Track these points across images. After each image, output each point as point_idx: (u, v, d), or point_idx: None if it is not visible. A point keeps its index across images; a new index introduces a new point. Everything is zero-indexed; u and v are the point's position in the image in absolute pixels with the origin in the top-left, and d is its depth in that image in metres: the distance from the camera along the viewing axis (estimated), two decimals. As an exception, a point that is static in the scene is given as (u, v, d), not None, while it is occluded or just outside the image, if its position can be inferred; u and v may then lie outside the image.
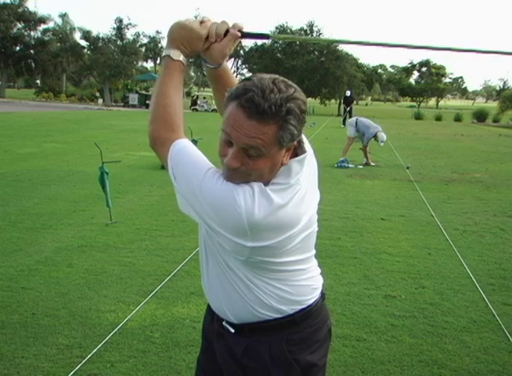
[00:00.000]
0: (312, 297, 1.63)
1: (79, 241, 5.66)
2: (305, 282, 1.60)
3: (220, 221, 1.40)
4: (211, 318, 1.73)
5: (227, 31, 1.55)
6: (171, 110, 1.53)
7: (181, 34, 1.53)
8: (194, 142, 10.24)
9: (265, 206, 1.38)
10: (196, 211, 1.45)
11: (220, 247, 1.50)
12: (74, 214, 6.91)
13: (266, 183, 1.43)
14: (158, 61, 55.57)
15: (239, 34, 1.56)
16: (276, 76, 1.40)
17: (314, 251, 1.63)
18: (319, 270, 1.68)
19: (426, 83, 72.67)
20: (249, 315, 1.56)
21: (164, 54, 1.57)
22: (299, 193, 1.46)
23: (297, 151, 1.51)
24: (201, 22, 1.55)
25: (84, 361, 3.25)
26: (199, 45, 1.56)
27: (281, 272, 1.52)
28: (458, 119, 43.12)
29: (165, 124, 1.52)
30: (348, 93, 30.64)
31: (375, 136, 12.35)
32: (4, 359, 3.26)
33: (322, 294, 1.69)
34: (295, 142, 1.45)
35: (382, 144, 12.48)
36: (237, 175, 1.40)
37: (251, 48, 54.06)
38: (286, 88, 1.36)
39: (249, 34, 1.65)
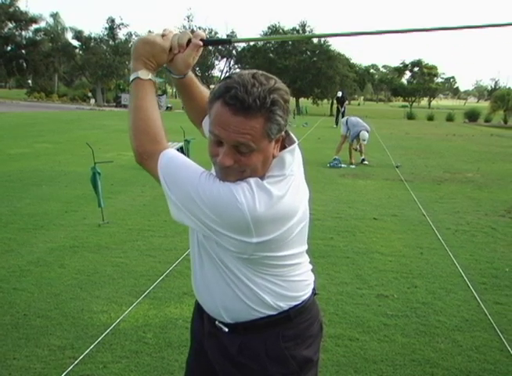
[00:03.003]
0: (306, 293, 1.64)
1: (71, 242, 5.64)
2: (299, 277, 1.61)
3: (222, 221, 1.40)
4: (200, 318, 1.74)
5: (189, 41, 1.57)
6: (151, 122, 1.54)
7: (145, 49, 1.55)
8: (187, 142, 10.26)
9: (265, 199, 1.39)
10: (194, 217, 1.44)
11: (218, 248, 1.50)
12: (66, 214, 6.88)
13: (261, 177, 1.44)
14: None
15: (201, 43, 1.59)
16: (255, 70, 1.42)
17: (306, 246, 1.64)
18: (310, 266, 1.70)
19: (418, 83, 72.84)
20: (245, 313, 1.56)
21: (132, 77, 1.58)
22: (294, 183, 1.48)
23: (285, 142, 1.53)
24: (162, 35, 1.57)
25: (76, 362, 3.24)
26: (163, 58, 1.57)
27: (279, 267, 1.54)
28: (450, 119, 43.33)
29: (148, 137, 1.53)
30: (340, 94, 30.73)
31: (358, 135, 12.53)
32: (-5, 361, 3.25)
33: (314, 290, 1.70)
34: (283, 133, 1.46)
35: (364, 142, 12.69)
36: (231, 172, 1.41)
37: (243, 49, 54.05)
38: (267, 81, 1.38)
39: (210, 42, 1.69)
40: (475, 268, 5.26)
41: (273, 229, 1.42)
